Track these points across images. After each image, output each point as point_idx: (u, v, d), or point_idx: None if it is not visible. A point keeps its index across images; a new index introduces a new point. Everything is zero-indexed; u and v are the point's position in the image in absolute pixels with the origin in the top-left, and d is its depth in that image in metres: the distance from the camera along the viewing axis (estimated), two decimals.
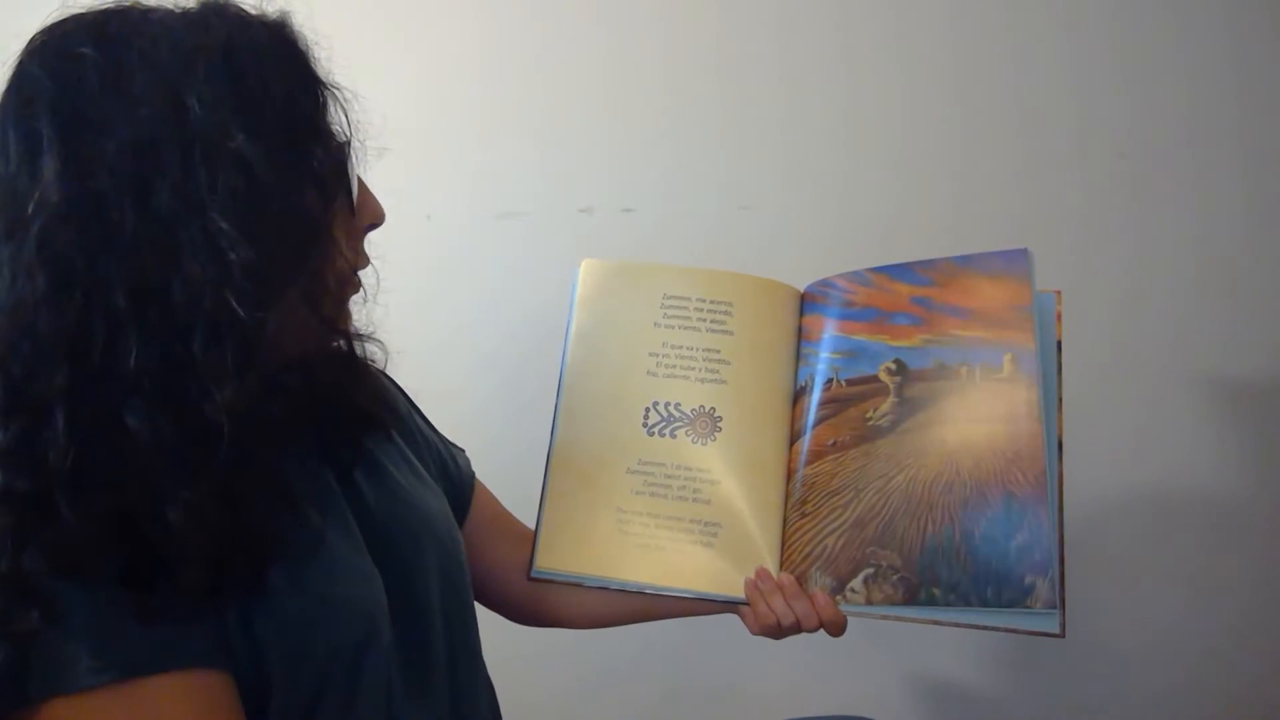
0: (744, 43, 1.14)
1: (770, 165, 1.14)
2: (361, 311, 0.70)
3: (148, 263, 0.48)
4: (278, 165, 0.51)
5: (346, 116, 0.57)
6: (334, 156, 0.56)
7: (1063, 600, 0.63)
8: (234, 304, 0.48)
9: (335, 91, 0.57)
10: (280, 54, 0.54)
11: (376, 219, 0.61)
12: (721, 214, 1.15)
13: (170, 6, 0.53)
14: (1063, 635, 0.63)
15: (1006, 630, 0.65)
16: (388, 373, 0.79)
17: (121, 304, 0.47)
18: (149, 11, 0.52)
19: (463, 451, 0.84)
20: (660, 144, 1.16)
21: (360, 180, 0.60)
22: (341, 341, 0.63)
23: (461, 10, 1.18)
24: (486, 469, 0.85)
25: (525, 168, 1.19)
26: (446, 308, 1.21)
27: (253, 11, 0.55)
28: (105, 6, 0.53)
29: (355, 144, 0.58)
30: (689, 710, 1.21)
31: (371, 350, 0.67)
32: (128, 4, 0.53)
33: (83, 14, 0.52)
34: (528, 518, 0.81)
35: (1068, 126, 1.10)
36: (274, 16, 0.55)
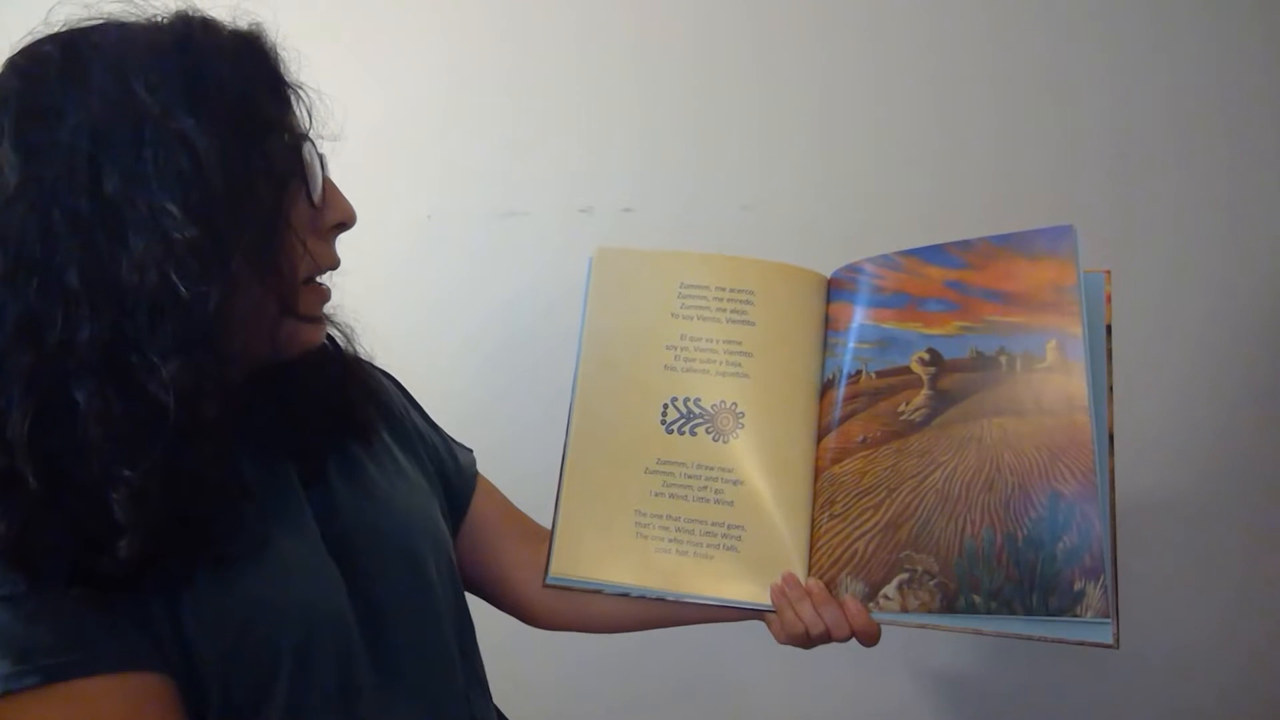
0: (746, 43, 1.12)
1: (771, 165, 1.12)
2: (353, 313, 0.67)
3: (97, 241, 0.49)
4: (226, 150, 0.51)
5: (310, 116, 0.57)
6: (290, 149, 0.56)
7: (1116, 608, 0.58)
8: (175, 279, 0.49)
9: (302, 92, 0.57)
10: (239, 53, 0.55)
11: (345, 218, 0.60)
12: (722, 214, 1.13)
13: (144, 22, 0.54)
14: (1116, 646, 0.58)
15: (1054, 641, 0.59)
16: (387, 371, 0.76)
17: (74, 283, 0.48)
18: (121, 25, 0.54)
19: (469, 451, 0.80)
20: (660, 143, 1.14)
21: (329, 180, 0.59)
22: (327, 341, 0.62)
23: (464, 11, 1.17)
24: (493, 473, 0.82)
25: (525, 168, 1.17)
26: (447, 308, 1.18)
27: (224, 22, 0.55)
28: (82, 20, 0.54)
29: (321, 144, 0.58)
30: (688, 701, 1.18)
31: (345, 329, 0.66)
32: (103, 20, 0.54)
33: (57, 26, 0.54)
34: (542, 525, 0.76)
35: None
36: (244, 26, 0.56)
